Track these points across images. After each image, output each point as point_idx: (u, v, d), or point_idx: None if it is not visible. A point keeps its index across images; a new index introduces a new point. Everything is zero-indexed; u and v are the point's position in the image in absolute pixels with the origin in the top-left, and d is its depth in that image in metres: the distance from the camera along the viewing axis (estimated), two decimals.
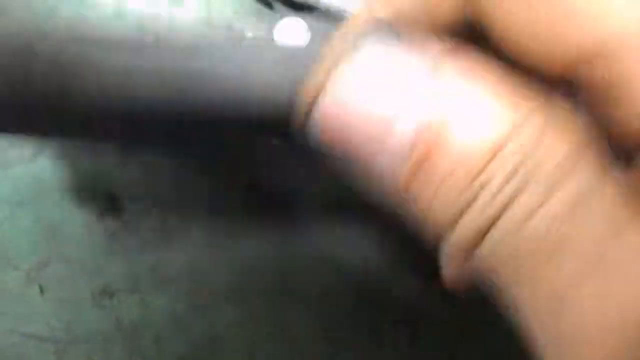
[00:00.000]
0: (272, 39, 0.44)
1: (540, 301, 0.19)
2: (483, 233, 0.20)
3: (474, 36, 0.23)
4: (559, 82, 0.21)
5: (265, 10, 0.46)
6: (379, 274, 0.47)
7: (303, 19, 0.44)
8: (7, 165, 0.47)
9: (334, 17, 0.44)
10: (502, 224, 0.19)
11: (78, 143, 0.47)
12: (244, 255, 0.48)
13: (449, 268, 0.21)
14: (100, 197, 0.48)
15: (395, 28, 0.21)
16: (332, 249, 0.47)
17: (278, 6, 0.45)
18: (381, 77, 0.20)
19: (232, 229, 0.47)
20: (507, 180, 0.19)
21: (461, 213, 0.20)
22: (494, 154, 0.19)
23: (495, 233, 0.20)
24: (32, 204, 0.47)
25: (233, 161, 0.47)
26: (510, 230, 0.19)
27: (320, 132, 0.21)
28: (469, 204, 0.20)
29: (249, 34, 0.45)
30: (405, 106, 0.19)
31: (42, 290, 0.47)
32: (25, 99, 0.21)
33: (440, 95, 0.19)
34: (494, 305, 0.21)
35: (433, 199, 0.20)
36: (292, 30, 0.44)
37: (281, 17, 0.44)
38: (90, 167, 0.47)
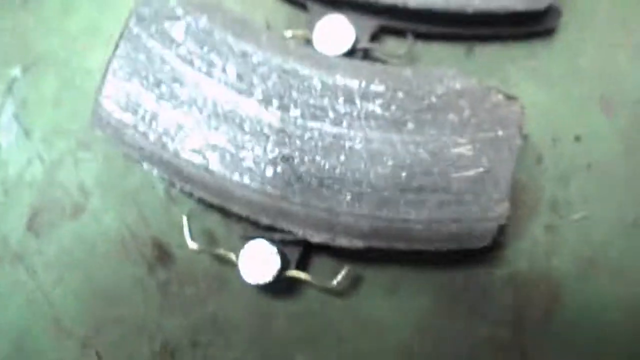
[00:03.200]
0: (310, 40, 0.45)
1: None
2: None
3: None
4: None
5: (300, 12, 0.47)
6: None
7: (344, 14, 0.45)
8: (49, 226, 0.45)
9: (374, 9, 0.45)
10: None
11: (123, 193, 0.46)
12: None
13: None
14: (148, 246, 0.45)
15: None
16: None
17: (313, 7, 0.46)
18: None
19: None
20: None
21: None
22: None
23: None
24: (81, 265, 0.45)
25: None
26: None
27: None
28: None
29: (288, 34, 0.45)
30: None
31: (99, 357, 0.43)
32: None
33: None
34: None
35: None
36: (334, 28, 0.45)
37: (319, 17, 0.45)
38: (135, 216, 0.45)
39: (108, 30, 0.48)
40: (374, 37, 0.46)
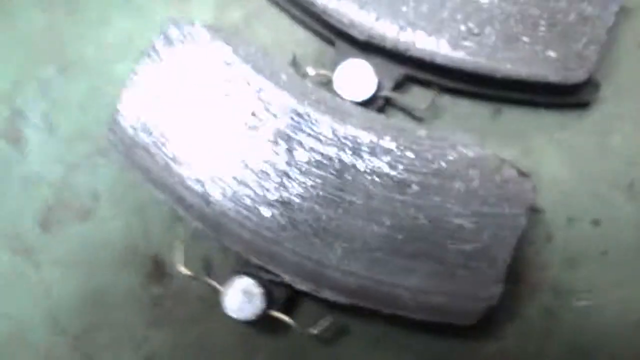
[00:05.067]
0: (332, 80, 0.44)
1: None
2: None
3: None
4: None
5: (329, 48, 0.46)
6: None
7: (368, 60, 0.44)
8: (59, 225, 0.47)
9: (400, 58, 0.44)
10: None
11: (131, 204, 0.47)
12: None
13: None
14: (147, 261, 0.46)
15: None
16: None
17: (341, 45, 0.45)
18: None
19: None
20: None
21: None
22: None
23: None
24: (83, 266, 0.47)
25: None
26: None
27: None
28: None
29: (311, 71, 0.45)
30: None
31: (87, 357, 0.44)
32: None
33: None
34: None
35: None
36: (356, 73, 0.44)
37: (344, 57, 0.44)
38: (140, 229, 0.47)
39: (141, 43, 0.49)
40: (399, 85, 0.45)
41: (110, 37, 0.50)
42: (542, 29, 0.41)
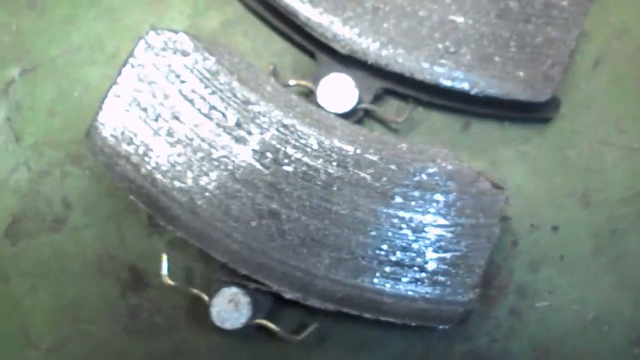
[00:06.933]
0: (314, 92, 0.46)
1: None
2: None
3: None
4: None
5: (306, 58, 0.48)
6: None
7: (349, 73, 0.46)
8: (27, 236, 0.46)
9: (381, 72, 0.46)
10: None
11: (106, 213, 0.47)
12: None
13: None
14: (124, 271, 0.46)
15: None
16: None
17: (323, 57, 0.46)
18: None
19: None
20: None
21: None
22: None
23: None
24: (54, 277, 0.46)
25: None
26: None
27: None
28: None
29: (292, 82, 0.46)
30: None
31: None
32: None
33: None
34: None
35: None
36: (338, 86, 0.45)
37: (327, 71, 0.46)
38: (115, 238, 0.46)
39: (112, 47, 0.48)
40: (378, 98, 0.47)
41: (80, 39, 0.48)
42: (513, 50, 0.45)
